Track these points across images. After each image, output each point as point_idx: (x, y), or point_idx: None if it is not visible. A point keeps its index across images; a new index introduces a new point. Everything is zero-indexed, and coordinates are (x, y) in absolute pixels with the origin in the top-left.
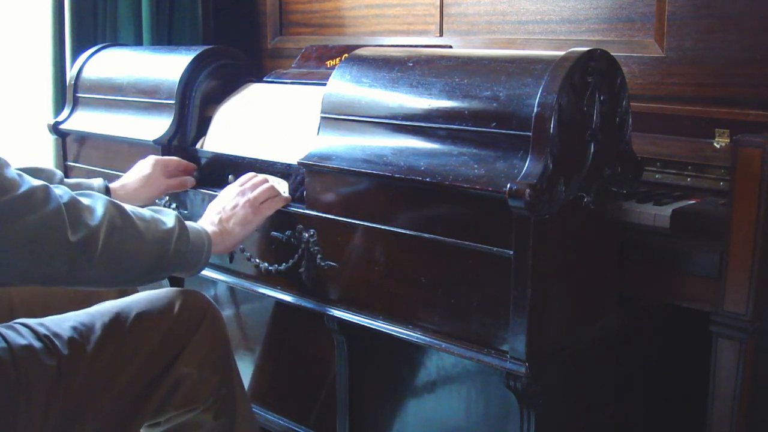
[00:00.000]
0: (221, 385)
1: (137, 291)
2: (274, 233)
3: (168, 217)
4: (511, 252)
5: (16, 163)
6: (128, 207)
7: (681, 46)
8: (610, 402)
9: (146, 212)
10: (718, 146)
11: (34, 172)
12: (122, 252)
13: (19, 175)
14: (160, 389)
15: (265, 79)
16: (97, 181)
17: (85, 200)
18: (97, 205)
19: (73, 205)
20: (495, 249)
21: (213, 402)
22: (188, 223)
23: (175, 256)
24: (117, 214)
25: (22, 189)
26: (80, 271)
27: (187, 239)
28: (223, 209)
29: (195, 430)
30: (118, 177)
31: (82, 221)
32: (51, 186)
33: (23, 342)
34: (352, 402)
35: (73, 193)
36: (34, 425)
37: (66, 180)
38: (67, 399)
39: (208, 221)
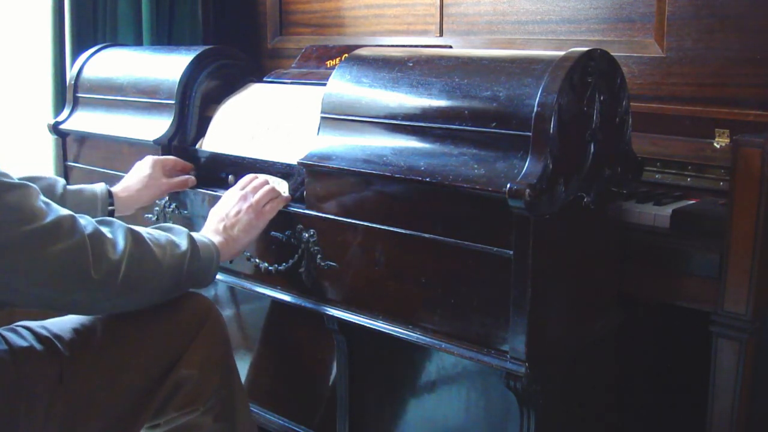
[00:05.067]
0: (221, 387)
1: None
2: (274, 233)
3: (181, 237)
4: (511, 252)
5: (16, 164)
6: (144, 232)
7: (681, 46)
8: (610, 402)
9: (161, 236)
10: (718, 146)
11: (35, 181)
12: (140, 281)
13: (46, 203)
14: (161, 391)
15: (265, 79)
16: (100, 186)
17: (106, 231)
18: (118, 237)
19: (97, 238)
20: (495, 249)
21: (213, 404)
22: (196, 236)
23: (188, 276)
24: (136, 244)
25: (49, 218)
26: (98, 303)
27: (199, 257)
28: (227, 216)
29: None
30: (118, 177)
31: (104, 255)
32: (77, 216)
33: (24, 344)
34: (352, 402)
35: (95, 221)
36: (35, 427)
37: (68, 187)
38: (69, 401)
39: (212, 230)
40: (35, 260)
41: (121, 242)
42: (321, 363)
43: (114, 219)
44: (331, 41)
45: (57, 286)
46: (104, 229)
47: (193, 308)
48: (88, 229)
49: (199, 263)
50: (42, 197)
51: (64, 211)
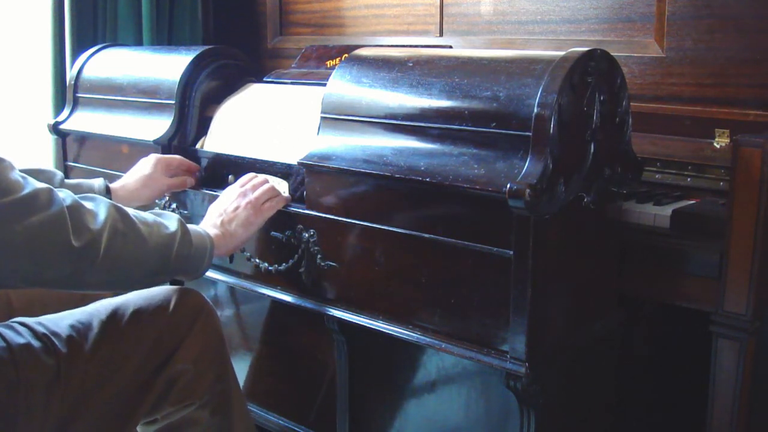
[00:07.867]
0: (217, 381)
1: None
2: (274, 233)
3: (170, 220)
4: (511, 252)
5: (16, 164)
6: (131, 211)
7: (681, 46)
8: (610, 402)
9: (149, 216)
10: (718, 146)
11: (35, 174)
12: (124, 256)
13: (23, 177)
14: (156, 386)
15: (265, 79)
16: (98, 182)
17: (88, 204)
18: (99, 209)
19: (76, 209)
20: (495, 249)
21: (209, 398)
22: (190, 226)
23: (177, 260)
24: (119, 218)
25: (25, 191)
26: (82, 275)
27: (190, 243)
28: (225, 211)
29: (192, 427)
30: (118, 177)
31: (84, 225)
32: (54, 189)
33: (22, 341)
34: (352, 402)
35: (77, 196)
36: (33, 423)
37: (67, 181)
38: (66, 397)
39: (209, 224)
40: (11, 233)
41: (102, 214)
42: (321, 363)
43: (98, 196)
44: (331, 41)
45: (36, 260)
46: (85, 203)
47: (187, 303)
48: (67, 201)
49: (190, 250)
50: (18, 171)
51: (41, 185)
